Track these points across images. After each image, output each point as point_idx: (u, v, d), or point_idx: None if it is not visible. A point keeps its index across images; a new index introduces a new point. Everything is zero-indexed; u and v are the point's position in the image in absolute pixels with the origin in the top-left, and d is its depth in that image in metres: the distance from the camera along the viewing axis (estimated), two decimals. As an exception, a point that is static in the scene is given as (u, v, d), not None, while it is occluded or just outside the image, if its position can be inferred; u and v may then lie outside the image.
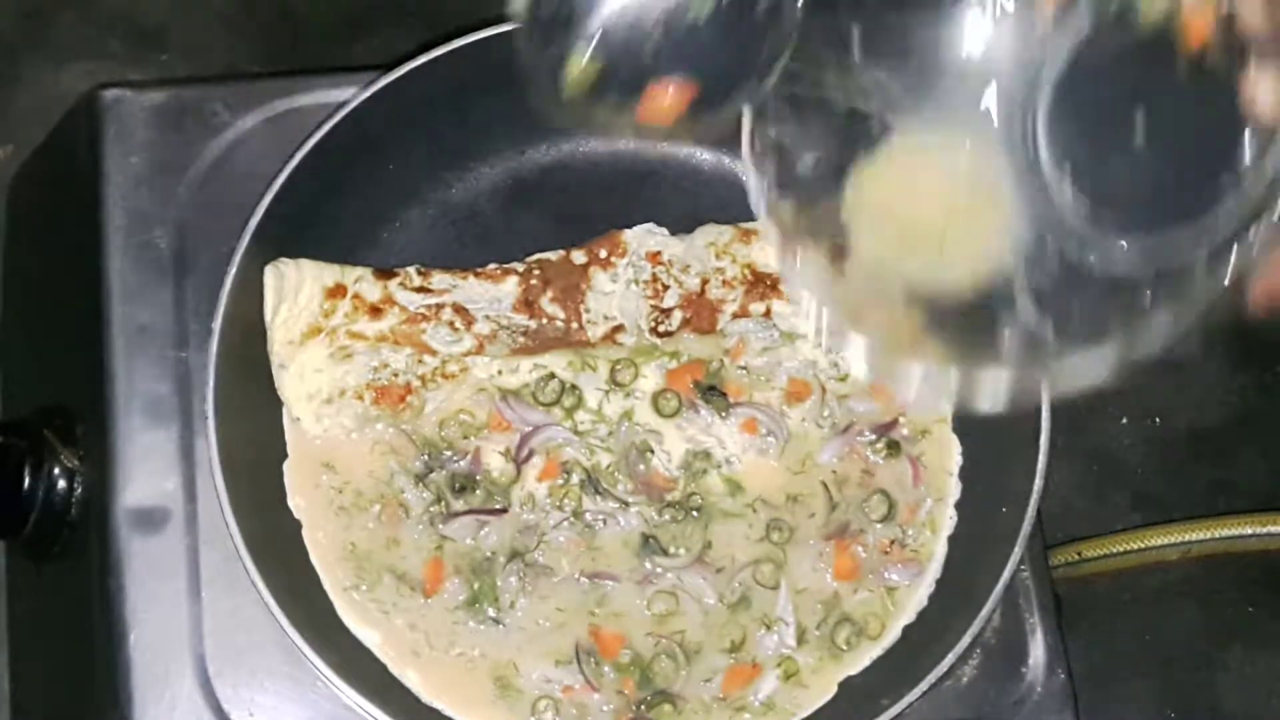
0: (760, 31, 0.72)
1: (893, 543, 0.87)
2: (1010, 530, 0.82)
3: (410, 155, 0.91)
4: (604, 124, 0.74)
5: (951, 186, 0.69)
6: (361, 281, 0.88)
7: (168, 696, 0.82)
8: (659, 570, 0.85)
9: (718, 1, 0.71)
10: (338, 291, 0.87)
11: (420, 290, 0.88)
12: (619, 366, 0.87)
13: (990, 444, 0.87)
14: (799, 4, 0.72)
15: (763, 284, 0.89)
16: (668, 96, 0.71)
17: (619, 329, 0.89)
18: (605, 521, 0.86)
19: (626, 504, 0.86)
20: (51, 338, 0.96)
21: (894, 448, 0.88)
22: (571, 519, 0.86)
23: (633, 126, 0.73)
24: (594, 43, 0.71)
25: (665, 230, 0.91)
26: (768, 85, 0.73)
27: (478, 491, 0.86)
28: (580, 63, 0.71)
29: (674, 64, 0.71)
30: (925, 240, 0.71)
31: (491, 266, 0.90)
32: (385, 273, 0.88)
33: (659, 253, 0.90)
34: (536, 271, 0.89)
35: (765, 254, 0.90)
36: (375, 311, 0.87)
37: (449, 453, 0.87)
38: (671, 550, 0.86)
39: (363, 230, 0.92)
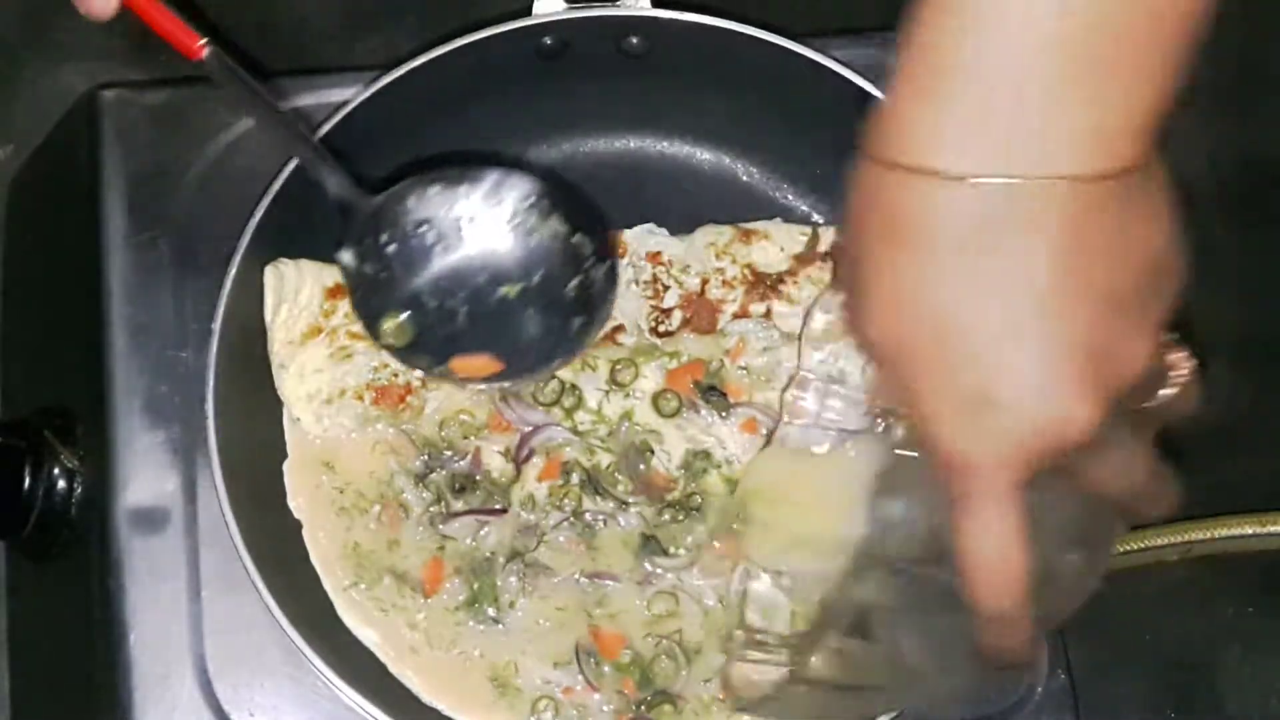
0: (570, 309, 0.80)
1: (893, 543, 0.87)
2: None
3: (410, 156, 0.91)
4: (426, 372, 0.80)
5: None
6: (362, 282, 0.88)
7: (168, 696, 0.82)
8: (659, 570, 0.85)
9: (525, 284, 0.79)
10: (338, 291, 0.87)
11: (420, 290, 0.88)
12: (619, 366, 0.87)
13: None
14: (613, 278, 0.81)
15: (763, 284, 0.89)
16: (476, 366, 0.79)
17: (619, 329, 0.89)
18: (605, 521, 0.86)
19: (626, 504, 0.86)
20: (51, 338, 0.96)
21: (894, 447, 0.88)
22: (571, 519, 0.86)
23: (453, 378, 0.80)
24: (406, 311, 0.79)
25: (665, 230, 0.91)
26: (578, 353, 0.82)
27: (478, 491, 0.86)
28: (394, 324, 0.79)
29: (482, 337, 0.79)
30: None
31: (492, 267, 0.90)
32: (385, 273, 0.88)
33: (659, 253, 0.90)
34: (538, 272, 0.89)
35: (765, 254, 0.90)
36: (375, 312, 0.87)
37: (449, 453, 0.87)
38: (671, 550, 0.86)
39: (363, 230, 0.92)
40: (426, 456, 0.86)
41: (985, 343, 0.57)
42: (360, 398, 0.86)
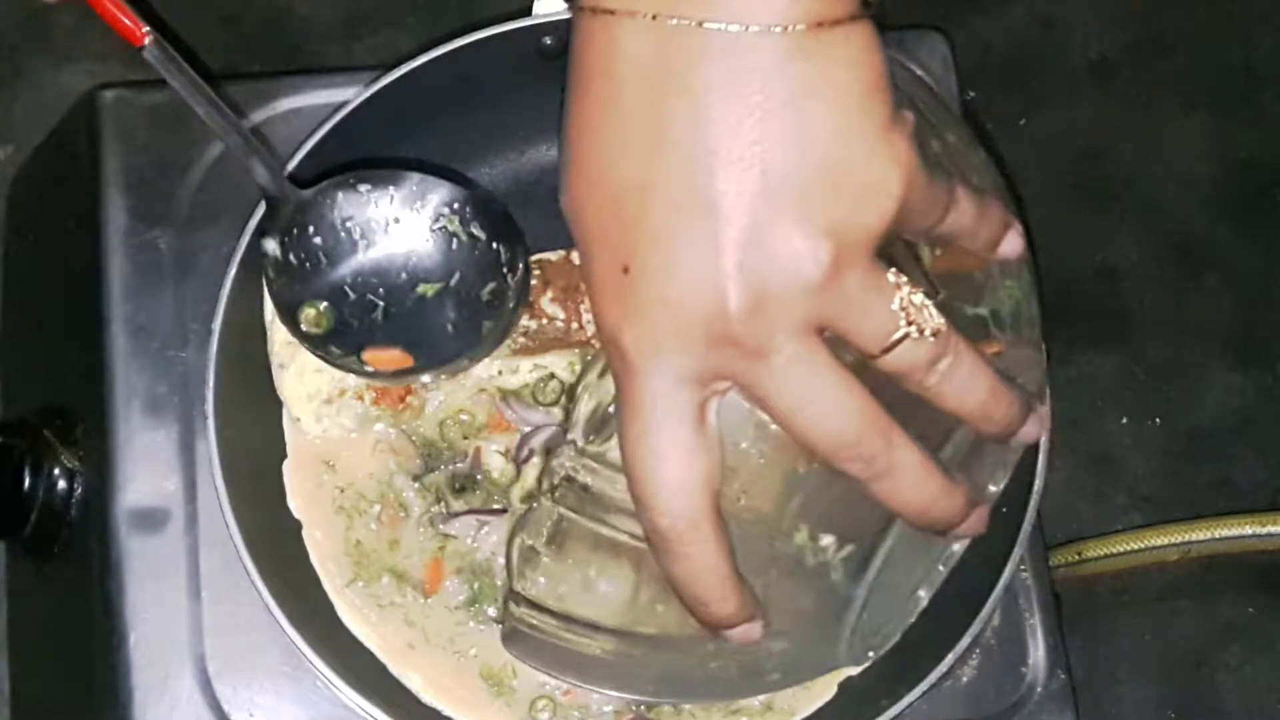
0: (483, 312, 0.83)
1: (893, 543, 0.86)
2: (1010, 530, 0.82)
3: (409, 156, 0.91)
4: (337, 361, 0.82)
5: None
6: (361, 282, 0.88)
7: (168, 696, 0.82)
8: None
9: (443, 285, 0.82)
10: (338, 291, 0.87)
11: (420, 290, 0.88)
12: (619, 366, 0.87)
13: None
14: (526, 286, 0.83)
15: (763, 284, 0.89)
16: (386, 359, 0.82)
17: (619, 329, 0.89)
18: (605, 521, 0.86)
19: (626, 504, 0.86)
20: (51, 338, 0.95)
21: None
22: (571, 519, 0.86)
23: (360, 368, 0.82)
24: (325, 303, 0.81)
25: (665, 230, 0.91)
26: (486, 354, 0.83)
27: (478, 491, 0.86)
28: (314, 312, 0.81)
29: (396, 331, 0.82)
30: None
31: (491, 267, 0.90)
32: (385, 273, 0.89)
33: (659, 253, 0.90)
34: (536, 271, 0.89)
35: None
36: (375, 312, 0.87)
37: (449, 453, 0.87)
38: (671, 550, 0.86)
39: (363, 230, 0.92)
40: (426, 456, 0.86)
41: (633, 206, 0.53)
42: (360, 398, 0.86)
